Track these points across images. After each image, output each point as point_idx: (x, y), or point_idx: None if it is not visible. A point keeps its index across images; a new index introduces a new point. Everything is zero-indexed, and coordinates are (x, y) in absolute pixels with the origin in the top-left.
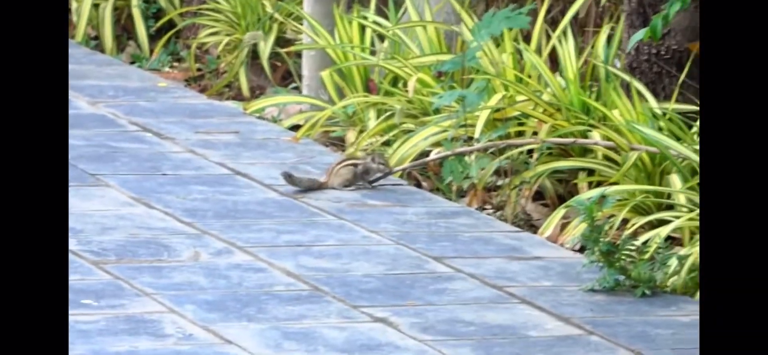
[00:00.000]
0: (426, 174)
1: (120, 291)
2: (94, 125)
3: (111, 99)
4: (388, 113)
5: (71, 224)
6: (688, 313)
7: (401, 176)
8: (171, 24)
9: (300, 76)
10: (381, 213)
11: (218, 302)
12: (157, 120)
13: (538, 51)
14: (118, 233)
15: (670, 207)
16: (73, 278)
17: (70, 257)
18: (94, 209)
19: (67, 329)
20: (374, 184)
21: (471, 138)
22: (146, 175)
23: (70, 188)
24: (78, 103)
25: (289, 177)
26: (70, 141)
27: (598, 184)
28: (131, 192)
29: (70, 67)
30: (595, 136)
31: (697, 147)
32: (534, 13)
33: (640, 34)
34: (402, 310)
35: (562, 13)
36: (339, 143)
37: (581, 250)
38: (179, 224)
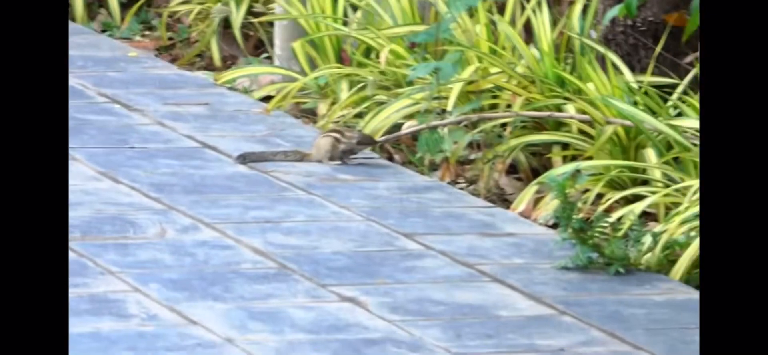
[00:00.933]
0: (398, 147)
1: (84, 270)
2: None
3: (80, 69)
4: (360, 85)
5: None
6: (662, 292)
7: (373, 149)
8: None
9: (273, 46)
10: (352, 188)
11: (184, 281)
12: (126, 91)
13: (513, 22)
14: (84, 209)
15: (645, 182)
16: None
17: None
18: None
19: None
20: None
21: (444, 111)
22: (114, 149)
23: None
24: None
25: (243, 158)
26: None
27: (573, 158)
28: (98, 166)
29: None
30: (570, 109)
31: (673, 122)
32: None
33: (615, 10)
34: (371, 289)
35: None
36: (311, 115)
37: (555, 226)
38: (146, 199)
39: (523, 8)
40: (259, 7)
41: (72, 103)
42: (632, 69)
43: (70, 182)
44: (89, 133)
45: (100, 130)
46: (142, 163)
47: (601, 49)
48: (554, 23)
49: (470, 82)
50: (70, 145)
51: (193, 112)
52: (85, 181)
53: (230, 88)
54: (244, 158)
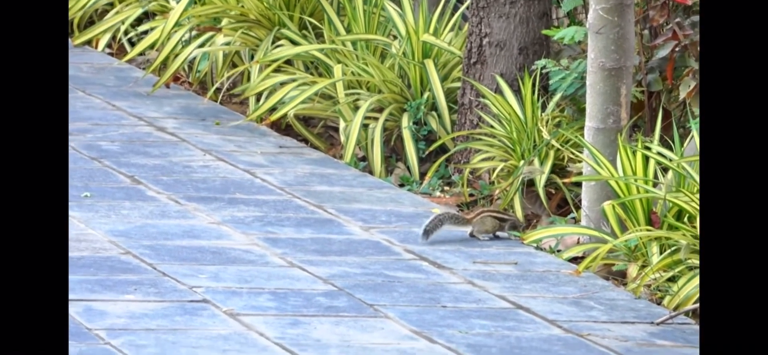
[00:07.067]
0: None
1: None
2: (368, 252)
3: (384, 225)
4: (672, 248)
5: None
6: None
7: (688, 315)
8: (442, 147)
9: (576, 206)
10: (670, 354)
11: None
12: (432, 248)
13: None
14: None
15: None
16: None
17: None
18: (374, 342)
19: None
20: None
21: None
22: (426, 307)
23: (348, 319)
24: (351, 228)
25: (426, 234)
26: (345, 269)
27: None
28: (411, 325)
29: (340, 189)
30: None
31: None
32: None
33: None
34: None
35: None
36: (621, 278)
37: None
38: None
39: None
40: (562, 164)
41: (379, 259)
42: None
43: (385, 340)
44: (399, 291)
45: (410, 288)
46: (456, 322)
47: None
48: None
49: None
50: (381, 303)
51: (502, 272)
52: (399, 340)
53: (537, 248)
54: (426, 234)
